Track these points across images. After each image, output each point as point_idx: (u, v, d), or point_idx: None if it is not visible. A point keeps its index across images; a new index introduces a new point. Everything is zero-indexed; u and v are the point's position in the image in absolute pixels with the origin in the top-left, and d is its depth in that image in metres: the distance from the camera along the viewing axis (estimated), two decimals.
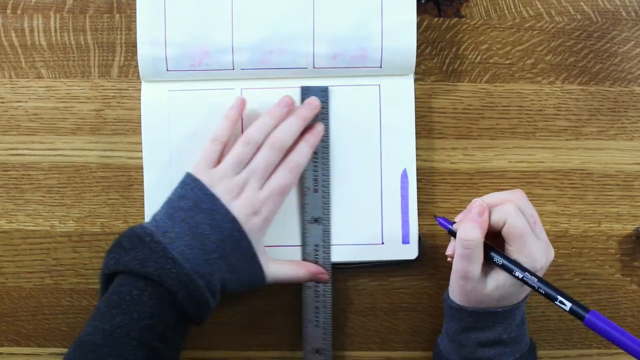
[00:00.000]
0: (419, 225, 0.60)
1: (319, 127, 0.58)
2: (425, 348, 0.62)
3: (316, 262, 0.59)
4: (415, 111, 0.60)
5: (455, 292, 0.53)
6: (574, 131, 0.61)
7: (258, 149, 0.55)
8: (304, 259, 0.59)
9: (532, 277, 0.50)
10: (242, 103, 0.58)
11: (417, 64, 0.60)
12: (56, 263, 0.61)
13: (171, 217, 0.52)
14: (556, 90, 0.61)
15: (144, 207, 0.59)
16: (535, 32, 0.61)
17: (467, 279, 0.51)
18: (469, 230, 0.50)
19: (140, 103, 0.59)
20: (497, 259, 0.51)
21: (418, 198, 0.60)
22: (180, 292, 0.50)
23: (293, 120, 0.56)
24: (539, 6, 0.61)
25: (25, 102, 0.61)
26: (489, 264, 0.52)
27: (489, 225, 0.51)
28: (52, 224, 0.61)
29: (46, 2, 0.60)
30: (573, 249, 0.62)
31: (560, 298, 0.49)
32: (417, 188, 0.60)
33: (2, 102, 0.61)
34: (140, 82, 0.59)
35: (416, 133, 0.60)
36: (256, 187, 0.54)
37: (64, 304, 0.61)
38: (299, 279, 0.57)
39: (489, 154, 0.61)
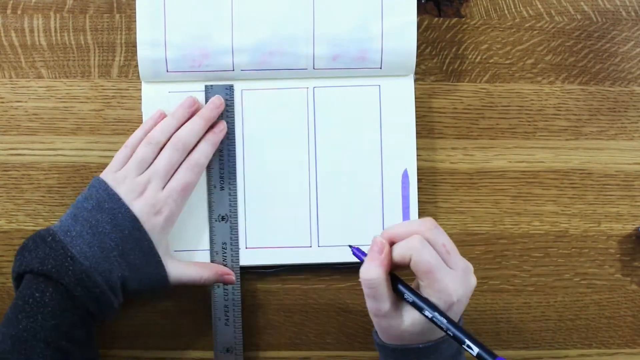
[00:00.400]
0: None
1: (222, 126, 0.58)
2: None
3: (224, 263, 0.59)
4: (416, 111, 0.60)
5: (377, 329, 0.51)
6: (574, 131, 0.62)
7: (162, 150, 0.56)
8: (213, 259, 0.59)
9: (442, 317, 0.47)
10: (161, 115, 0.58)
11: (417, 64, 0.60)
12: None
13: (74, 217, 0.53)
14: (556, 90, 0.61)
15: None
16: (535, 32, 0.61)
17: (379, 317, 0.49)
18: (368, 269, 0.48)
19: (140, 103, 0.59)
20: (408, 296, 0.48)
21: (418, 198, 0.60)
22: (77, 288, 0.51)
23: (195, 120, 0.57)
24: (539, 6, 0.61)
25: (25, 102, 0.60)
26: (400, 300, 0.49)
27: (396, 261, 0.48)
28: (52, 224, 0.61)
29: (46, 2, 0.60)
30: (573, 249, 0.62)
31: (467, 342, 0.46)
32: (417, 188, 0.60)
33: (2, 102, 0.61)
34: (141, 83, 0.59)
35: (416, 133, 0.60)
36: (158, 186, 0.55)
37: None
38: (204, 281, 0.57)
39: (489, 154, 0.61)
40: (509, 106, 0.61)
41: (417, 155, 0.60)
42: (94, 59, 0.61)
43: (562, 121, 0.61)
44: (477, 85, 0.61)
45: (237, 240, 0.59)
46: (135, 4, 0.58)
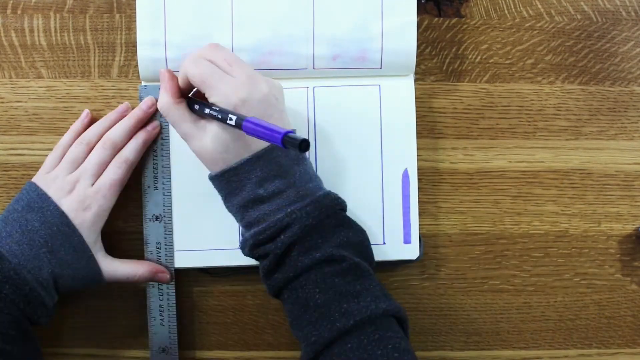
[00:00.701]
0: (420, 225, 0.60)
1: (154, 124, 0.59)
2: (421, 348, 0.62)
3: (158, 261, 0.59)
4: (416, 111, 0.60)
5: (202, 162, 0.53)
6: (574, 131, 0.62)
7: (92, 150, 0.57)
8: (147, 259, 0.59)
9: (213, 108, 0.50)
10: (87, 115, 0.59)
11: (417, 64, 0.60)
12: None
13: (5, 219, 0.54)
14: (556, 90, 0.61)
15: (143, 206, 0.59)
16: (535, 32, 0.61)
17: (187, 140, 0.53)
18: (159, 100, 0.53)
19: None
20: (195, 107, 0.52)
21: (418, 198, 0.60)
22: (4, 286, 0.51)
23: (125, 121, 0.58)
24: (539, 6, 0.61)
25: (25, 102, 0.60)
26: (202, 119, 0.52)
27: (183, 86, 0.53)
28: None
29: (46, 2, 0.60)
30: (573, 249, 0.62)
31: (230, 116, 0.49)
32: (418, 188, 0.60)
33: (2, 102, 0.61)
34: (141, 82, 0.59)
35: (416, 133, 0.60)
36: (87, 184, 0.56)
37: (63, 303, 0.61)
38: (139, 278, 0.58)
39: (489, 153, 0.61)
40: (509, 106, 0.61)
41: (418, 155, 0.60)
42: (94, 59, 0.61)
43: (562, 121, 0.61)
44: (477, 85, 0.61)
45: (172, 240, 0.59)
46: (135, 4, 0.58)
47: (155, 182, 0.59)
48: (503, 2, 0.61)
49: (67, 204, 0.55)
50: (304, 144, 0.43)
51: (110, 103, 0.60)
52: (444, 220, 0.61)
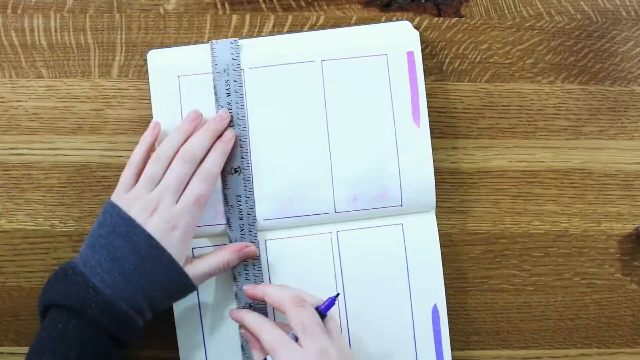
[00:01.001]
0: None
1: (229, 134, 0.57)
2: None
3: (239, 216, 0.58)
4: None
5: None
6: (574, 131, 0.62)
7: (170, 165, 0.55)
8: (227, 213, 0.58)
9: None
10: (156, 126, 0.57)
11: None
12: (56, 263, 0.61)
13: (92, 246, 0.53)
14: (556, 90, 0.61)
15: None
16: (535, 31, 0.61)
17: None
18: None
19: (140, 103, 0.60)
20: None
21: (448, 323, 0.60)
22: (103, 319, 0.50)
23: (202, 132, 0.56)
24: (539, 6, 0.61)
25: (26, 101, 0.61)
26: None
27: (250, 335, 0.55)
28: (52, 224, 0.61)
29: (46, 2, 0.60)
30: (573, 249, 0.62)
31: None
32: (448, 322, 0.59)
33: (2, 102, 0.61)
34: (141, 82, 0.59)
35: None
36: (171, 201, 0.53)
37: None
38: (228, 264, 0.56)
39: (489, 153, 0.61)
40: (509, 106, 0.61)
41: None
42: (94, 59, 0.61)
43: (562, 121, 0.61)
44: (477, 85, 0.61)
45: (252, 191, 0.58)
46: (135, 3, 0.58)
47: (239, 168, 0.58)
48: (503, 2, 0.61)
49: (153, 226, 0.52)
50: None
51: (111, 103, 0.60)
52: (443, 220, 0.61)
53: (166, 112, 0.58)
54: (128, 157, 0.60)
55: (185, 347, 0.59)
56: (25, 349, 0.61)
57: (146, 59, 0.59)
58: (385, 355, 0.57)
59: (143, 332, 0.53)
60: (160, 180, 0.54)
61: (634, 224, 0.62)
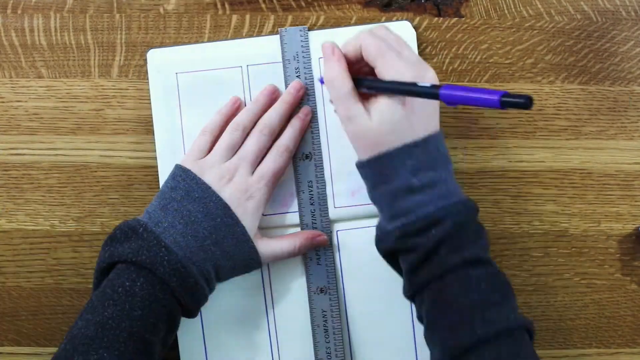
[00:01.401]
0: None
1: (305, 110, 0.58)
2: None
3: (311, 202, 0.58)
4: None
5: (355, 147, 0.52)
6: (574, 131, 0.62)
7: (247, 135, 0.56)
8: (299, 197, 0.58)
9: (392, 83, 0.48)
10: (237, 101, 0.58)
11: None
12: (56, 263, 0.61)
13: (164, 208, 0.53)
14: (556, 90, 0.61)
15: (144, 206, 0.59)
16: (535, 31, 0.61)
17: (351, 119, 0.50)
18: (328, 69, 0.51)
19: (140, 103, 0.60)
20: (365, 83, 0.50)
21: None
22: (172, 279, 0.50)
23: (278, 105, 0.57)
24: (539, 6, 0.61)
25: (26, 101, 0.61)
26: (368, 99, 0.50)
27: (350, 56, 0.51)
28: (52, 224, 0.61)
29: (46, 2, 0.60)
30: (573, 249, 0.62)
31: (418, 83, 0.47)
32: None
33: (2, 102, 0.61)
34: (141, 82, 0.59)
35: None
36: (247, 172, 0.54)
37: (64, 303, 0.61)
38: (299, 249, 0.57)
39: (489, 153, 0.61)
40: None
41: None
42: (94, 59, 0.61)
43: (562, 121, 0.62)
44: (477, 85, 0.61)
45: (323, 177, 0.58)
46: (135, 3, 0.58)
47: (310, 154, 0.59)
48: (503, 2, 0.61)
49: (229, 194, 0.53)
50: (530, 100, 0.40)
51: (111, 103, 0.60)
52: None
53: (165, 111, 0.59)
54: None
55: (185, 347, 0.59)
56: (25, 349, 0.61)
57: (146, 59, 0.59)
58: (386, 354, 0.57)
59: (207, 299, 0.53)
60: (238, 150, 0.55)
61: (634, 224, 0.62)
